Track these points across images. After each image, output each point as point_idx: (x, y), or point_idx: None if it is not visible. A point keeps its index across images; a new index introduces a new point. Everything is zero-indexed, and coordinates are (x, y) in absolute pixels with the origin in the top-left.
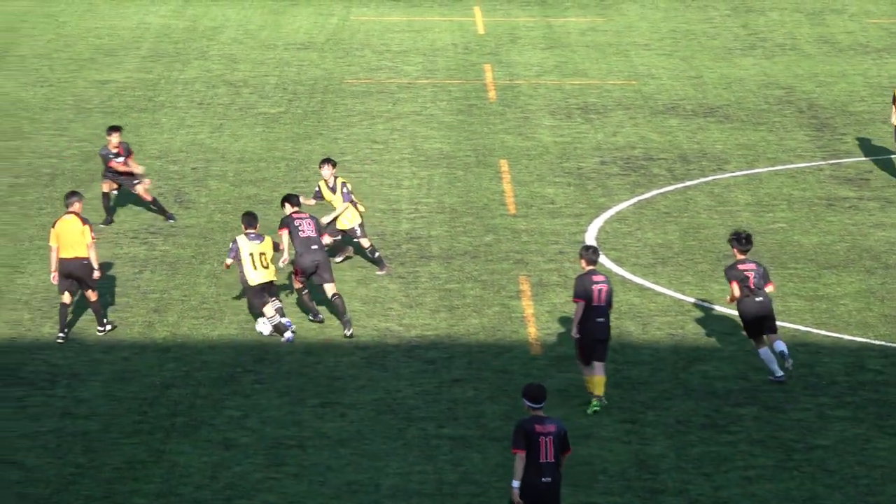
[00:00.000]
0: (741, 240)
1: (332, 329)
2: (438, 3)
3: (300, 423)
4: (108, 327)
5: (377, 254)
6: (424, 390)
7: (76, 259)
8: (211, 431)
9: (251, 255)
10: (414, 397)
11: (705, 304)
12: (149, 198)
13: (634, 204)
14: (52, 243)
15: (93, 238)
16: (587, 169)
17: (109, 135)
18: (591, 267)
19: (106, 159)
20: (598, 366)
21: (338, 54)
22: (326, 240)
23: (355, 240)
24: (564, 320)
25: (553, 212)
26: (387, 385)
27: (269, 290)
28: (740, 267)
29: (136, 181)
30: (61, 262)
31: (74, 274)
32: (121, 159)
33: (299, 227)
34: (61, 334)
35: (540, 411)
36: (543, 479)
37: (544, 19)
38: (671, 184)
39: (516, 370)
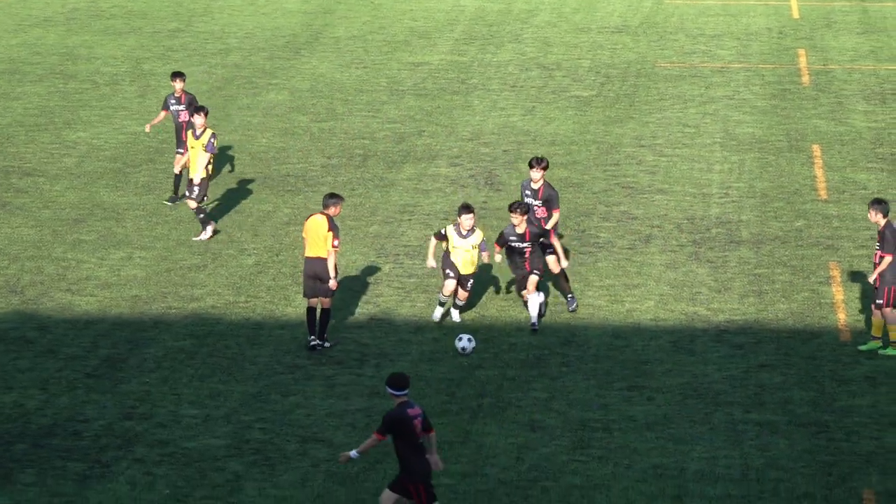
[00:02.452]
0: None
1: (639, 312)
2: None
3: (607, 406)
4: (327, 345)
5: (202, 215)
6: (731, 375)
7: (319, 259)
8: (517, 413)
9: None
10: (721, 382)
11: None
12: (178, 170)
13: None
14: (304, 235)
15: (334, 247)
16: None
17: (173, 80)
18: None
19: (165, 104)
20: None
21: (651, 38)
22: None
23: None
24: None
25: (865, 197)
26: (694, 369)
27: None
28: None
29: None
30: (306, 260)
31: (319, 275)
32: (181, 107)
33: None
34: (312, 338)
35: (404, 397)
36: (425, 457)
37: (860, 3)
38: None
39: (825, 356)
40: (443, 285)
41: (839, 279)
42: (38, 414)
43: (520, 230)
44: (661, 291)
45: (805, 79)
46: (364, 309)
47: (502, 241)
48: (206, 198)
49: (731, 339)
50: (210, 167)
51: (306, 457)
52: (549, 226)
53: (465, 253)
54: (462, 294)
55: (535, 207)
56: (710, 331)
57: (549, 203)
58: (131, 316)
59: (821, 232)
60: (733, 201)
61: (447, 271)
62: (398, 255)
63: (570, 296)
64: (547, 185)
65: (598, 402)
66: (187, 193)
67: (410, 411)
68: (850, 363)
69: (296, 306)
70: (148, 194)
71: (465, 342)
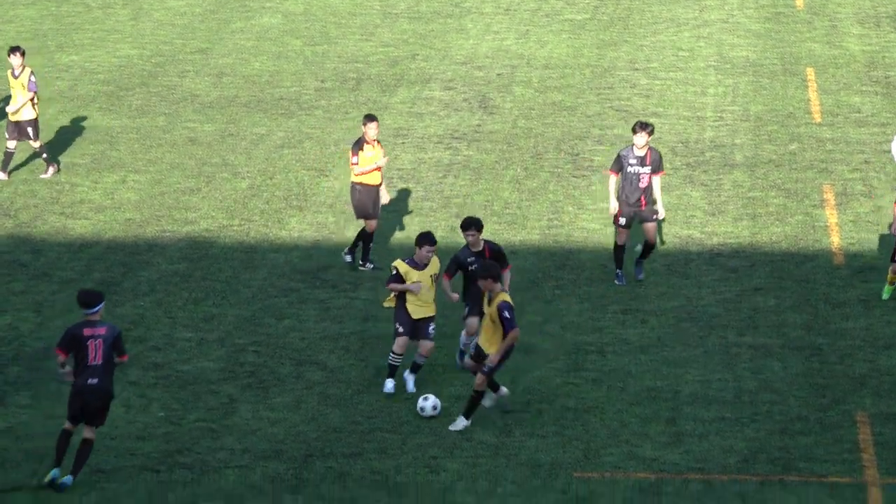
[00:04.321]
0: None
1: (634, 236)
2: None
3: (601, 329)
4: (370, 266)
5: (44, 155)
6: (725, 298)
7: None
8: None
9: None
10: (715, 305)
11: None
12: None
13: None
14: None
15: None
16: (895, 78)
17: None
18: None
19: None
20: None
21: None
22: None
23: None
24: (869, 230)
25: (859, 121)
26: (688, 292)
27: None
28: None
29: None
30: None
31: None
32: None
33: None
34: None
35: (95, 315)
36: (90, 381)
37: None
38: None
39: (819, 279)
40: (394, 343)
41: (833, 202)
42: (32, 337)
43: (476, 248)
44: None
45: (799, 2)
46: (356, 232)
47: (455, 267)
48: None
49: (725, 262)
50: (36, 106)
51: (300, 379)
52: (656, 191)
53: (427, 289)
54: (426, 347)
55: (642, 176)
56: (704, 254)
57: (657, 167)
58: (125, 239)
59: (814, 155)
60: (727, 125)
61: (397, 326)
62: (391, 178)
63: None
64: (652, 149)
65: (593, 325)
66: (29, 138)
67: (88, 331)
68: (844, 286)
69: (290, 230)
70: (141, 117)
71: (429, 403)
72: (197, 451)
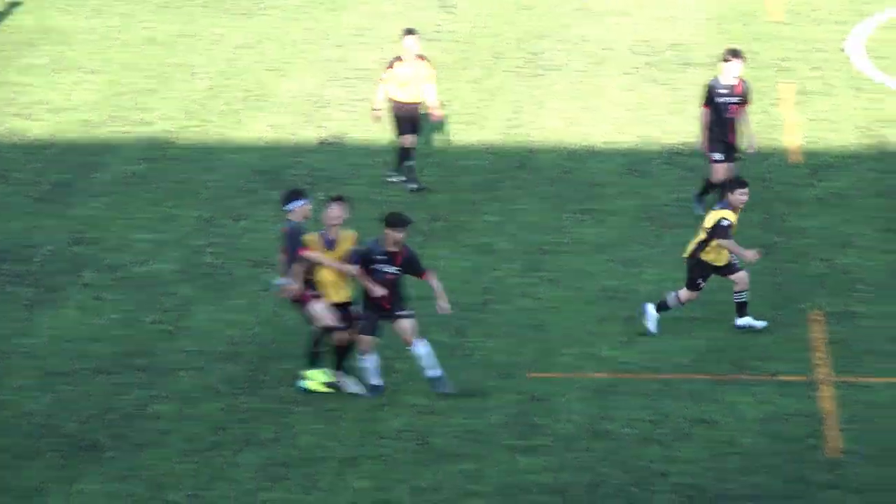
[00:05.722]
0: None
1: (593, 135)
2: None
3: (559, 229)
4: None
5: None
6: (683, 198)
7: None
8: (469, 236)
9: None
10: (673, 204)
11: None
12: None
13: None
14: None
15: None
16: None
17: None
18: None
19: None
20: None
21: None
22: None
23: None
24: (827, 128)
25: (818, 20)
26: (646, 192)
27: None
28: None
29: None
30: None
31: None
32: None
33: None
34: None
35: None
36: None
37: None
38: None
39: (775, 178)
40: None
41: (791, 100)
42: None
43: (393, 249)
44: (616, 114)
45: None
46: (314, 133)
47: (359, 258)
48: None
49: (685, 161)
50: None
51: (256, 281)
52: (745, 123)
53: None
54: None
55: (730, 106)
56: (664, 153)
57: (746, 98)
58: (82, 140)
59: (774, 54)
60: (687, 23)
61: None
62: (349, 78)
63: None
64: (742, 79)
65: (551, 225)
66: None
67: None
68: (801, 185)
69: (248, 131)
70: (98, 17)
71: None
72: (153, 353)
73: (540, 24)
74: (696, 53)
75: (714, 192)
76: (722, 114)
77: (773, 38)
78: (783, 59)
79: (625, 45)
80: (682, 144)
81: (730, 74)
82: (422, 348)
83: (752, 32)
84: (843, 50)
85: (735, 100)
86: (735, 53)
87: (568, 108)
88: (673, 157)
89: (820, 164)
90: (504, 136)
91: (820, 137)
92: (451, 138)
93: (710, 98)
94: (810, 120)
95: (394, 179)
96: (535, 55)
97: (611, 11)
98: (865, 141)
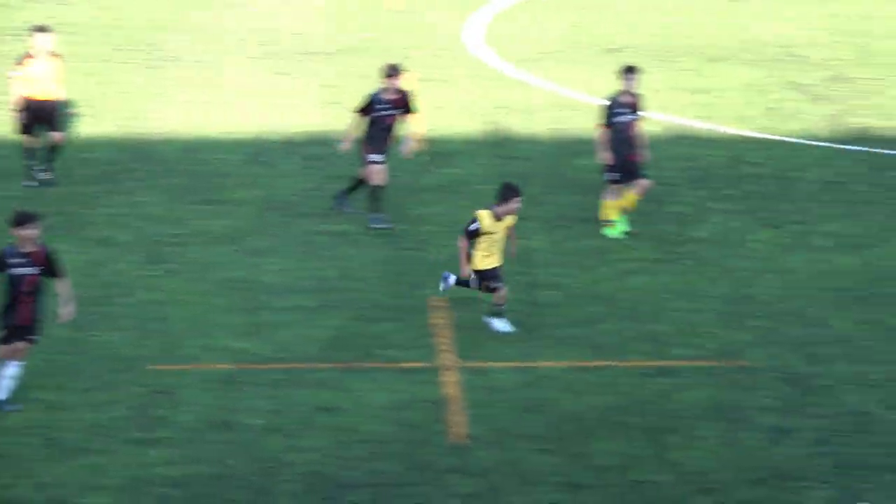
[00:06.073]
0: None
1: (214, 125)
2: None
3: (180, 220)
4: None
5: None
6: (306, 188)
7: None
8: (90, 229)
9: None
10: (296, 194)
11: (588, 100)
12: None
13: None
14: None
15: None
16: None
17: None
18: None
19: None
20: None
21: None
22: None
23: None
24: (448, 116)
25: (436, 6)
26: (269, 182)
27: None
28: None
29: None
30: None
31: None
32: None
33: None
34: None
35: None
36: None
37: None
38: None
39: (401, 166)
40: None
41: (412, 89)
42: None
43: (31, 248)
44: (237, 103)
45: None
46: None
47: None
48: None
49: (305, 150)
50: None
51: None
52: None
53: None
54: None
55: (389, 118)
56: (286, 143)
57: (409, 108)
58: None
59: (395, 42)
60: (307, 12)
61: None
62: None
63: None
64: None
65: (172, 216)
66: None
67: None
68: (422, 172)
69: None
70: None
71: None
72: None
73: (159, 14)
74: (316, 42)
75: (361, 190)
76: (379, 123)
77: (392, 27)
78: (404, 48)
79: (245, 34)
80: (304, 134)
81: (392, 89)
82: (15, 370)
83: (373, 21)
84: (461, 38)
85: (397, 111)
86: (395, 69)
87: (189, 98)
88: (294, 147)
89: (440, 152)
90: (124, 128)
91: (440, 125)
92: (71, 132)
93: (369, 108)
94: (432, 108)
95: (46, 176)
96: (154, 45)
97: (231, 3)
98: (485, 128)
